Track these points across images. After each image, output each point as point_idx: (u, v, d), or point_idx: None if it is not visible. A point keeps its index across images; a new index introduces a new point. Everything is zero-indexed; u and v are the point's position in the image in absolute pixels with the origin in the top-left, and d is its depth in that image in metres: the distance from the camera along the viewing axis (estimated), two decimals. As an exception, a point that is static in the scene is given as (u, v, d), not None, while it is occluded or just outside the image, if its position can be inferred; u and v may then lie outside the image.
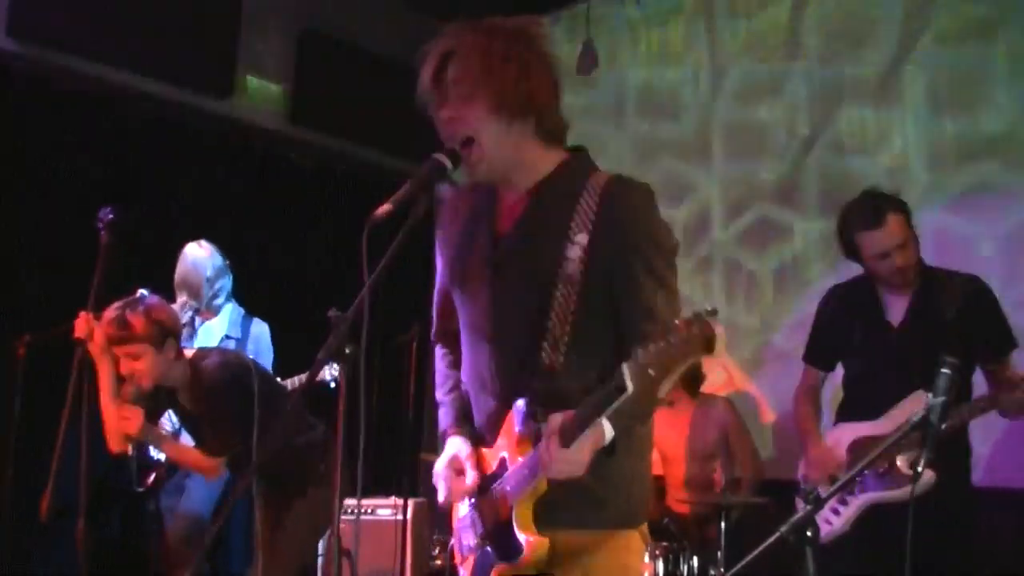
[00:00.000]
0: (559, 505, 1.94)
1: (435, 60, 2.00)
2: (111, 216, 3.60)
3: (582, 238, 1.96)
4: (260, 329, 4.62)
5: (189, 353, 3.63)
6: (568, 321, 1.95)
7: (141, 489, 4.34)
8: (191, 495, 4.31)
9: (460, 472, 2.09)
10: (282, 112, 5.81)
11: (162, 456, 4.32)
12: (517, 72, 1.96)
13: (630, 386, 1.68)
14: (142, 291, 4.24)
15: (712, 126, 5.52)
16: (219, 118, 5.55)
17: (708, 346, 1.64)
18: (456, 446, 2.11)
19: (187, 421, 3.75)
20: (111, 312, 3.47)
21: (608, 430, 1.86)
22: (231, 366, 3.52)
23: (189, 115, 5.45)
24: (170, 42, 5.14)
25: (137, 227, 4.41)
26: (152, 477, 4.34)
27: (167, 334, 3.47)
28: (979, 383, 3.38)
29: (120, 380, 3.57)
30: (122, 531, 4.98)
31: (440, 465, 2.12)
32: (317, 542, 3.82)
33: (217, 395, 3.48)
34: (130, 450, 3.70)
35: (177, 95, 5.30)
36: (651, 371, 1.66)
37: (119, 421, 3.56)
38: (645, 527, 2.10)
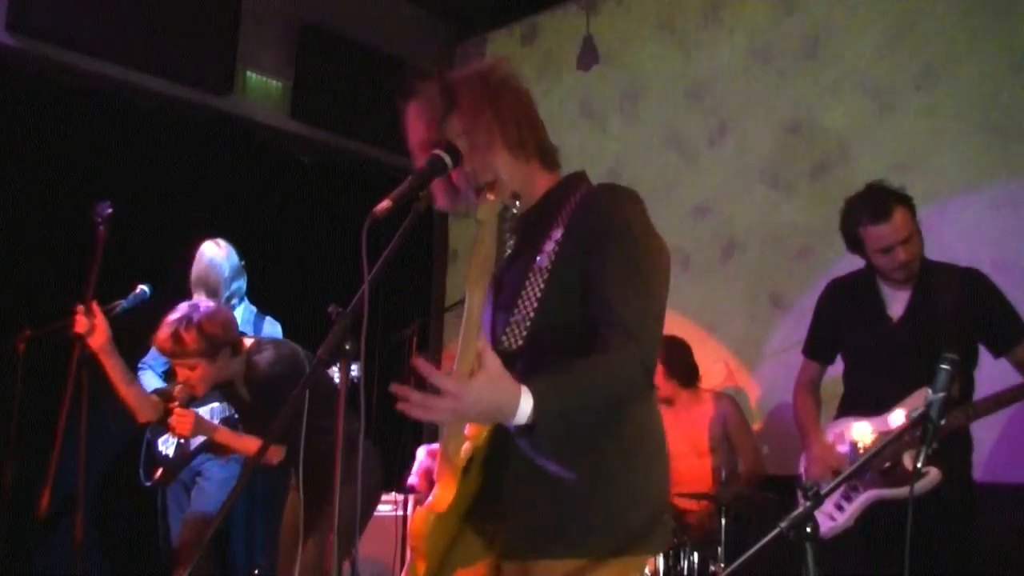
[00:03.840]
0: (536, 531, 1.88)
1: (433, 119, 2.02)
2: (109, 211, 3.62)
3: (557, 232, 1.98)
4: (273, 328, 4.64)
5: (248, 342, 3.72)
6: (532, 307, 1.94)
7: (148, 483, 4.35)
8: (206, 495, 4.32)
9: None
10: (282, 108, 5.81)
11: (170, 452, 4.34)
12: (517, 109, 2.03)
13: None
14: (142, 287, 4.26)
15: (705, 121, 5.53)
16: (219, 114, 5.55)
17: None
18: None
19: (241, 410, 3.85)
20: (167, 327, 3.55)
21: (525, 403, 1.67)
22: (284, 360, 3.60)
23: (189, 111, 5.46)
24: (170, 38, 5.14)
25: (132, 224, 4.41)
26: (159, 472, 4.35)
27: (220, 346, 3.57)
28: (981, 379, 3.37)
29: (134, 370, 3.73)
30: (131, 525, 5.00)
31: (421, 452, 2.13)
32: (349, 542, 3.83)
33: (270, 389, 3.57)
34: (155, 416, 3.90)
35: (177, 91, 5.31)
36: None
37: (154, 412, 3.81)
38: (644, 560, 1.99)
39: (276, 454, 3.61)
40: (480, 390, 1.63)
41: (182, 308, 3.61)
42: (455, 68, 2.11)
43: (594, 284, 1.88)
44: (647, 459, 1.97)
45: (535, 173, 2.07)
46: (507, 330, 1.94)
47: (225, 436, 3.84)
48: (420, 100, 2.05)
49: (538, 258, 1.97)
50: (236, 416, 4.04)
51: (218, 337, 3.55)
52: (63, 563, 4.62)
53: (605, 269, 1.88)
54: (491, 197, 1.98)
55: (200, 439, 4.12)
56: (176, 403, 3.78)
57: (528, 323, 1.92)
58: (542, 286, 1.94)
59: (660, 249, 1.97)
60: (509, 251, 2.09)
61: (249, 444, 3.74)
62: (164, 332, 3.54)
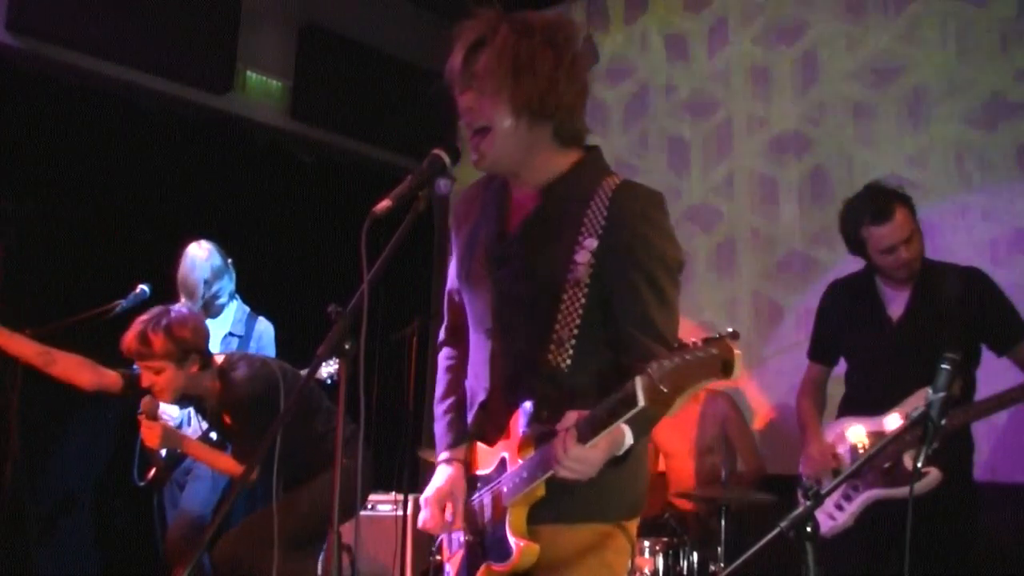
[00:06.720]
0: (537, 500, 1.95)
1: (467, 45, 2.00)
2: None
3: (591, 243, 1.97)
4: (264, 327, 4.63)
5: (220, 359, 3.64)
6: (575, 324, 1.95)
7: (142, 484, 4.36)
8: (192, 495, 4.32)
9: (443, 508, 2.11)
10: (282, 108, 5.81)
11: (163, 451, 4.33)
12: (546, 77, 1.96)
13: (641, 401, 1.66)
14: (142, 286, 4.25)
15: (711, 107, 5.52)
16: (219, 114, 5.54)
17: (727, 369, 1.64)
18: (444, 477, 2.13)
19: (217, 426, 3.79)
20: (136, 326, 3.47)
21: (628, 438, 1.87)
22: (258, 380, 3.52)
23: (189, 111, 5.45)
24: (171, 37, 5.13)
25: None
26: (152, 472, 4.35)
27: (189, 351, 3.48)
28: (982, 378, 3.37)
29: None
30: (129, 524, 5.00)
31: (429, 492, 2.13)
32: (317, 527, 3.82)
33: (244, 410, 3.52)
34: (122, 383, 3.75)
35: (177, 91, 5.30)
36: (663, 388, 1.64)
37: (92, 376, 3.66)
38: (632, 524, 2.07)
39: (239, 472, 3.52)
40: (599, 452, 1.83)
41: (153, 311, 3.52)
42: (523, 12, 2.02)
43: (630, 301, 1.96)
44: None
45: (541, 145, 2.03)
46: (551, 347, 1.96)
47: (194, 448, 3.78)
48: (469, 23, 2.02)
49: (574, 268, 1.96)
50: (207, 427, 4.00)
51: (187, 341, 3.46)
52: (63, 563, 4.63)
53: (641, 290, 1.96)
54: (480, 144, 1.99)
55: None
56: (143, 414, 3.66)
57: (572, 341, 1.96)
58: (583, 302, 1.96)
59: (681, 260, 2.04)
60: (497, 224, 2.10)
61: (218, 458, 3.69)
62: (131, 332, 3.46)
